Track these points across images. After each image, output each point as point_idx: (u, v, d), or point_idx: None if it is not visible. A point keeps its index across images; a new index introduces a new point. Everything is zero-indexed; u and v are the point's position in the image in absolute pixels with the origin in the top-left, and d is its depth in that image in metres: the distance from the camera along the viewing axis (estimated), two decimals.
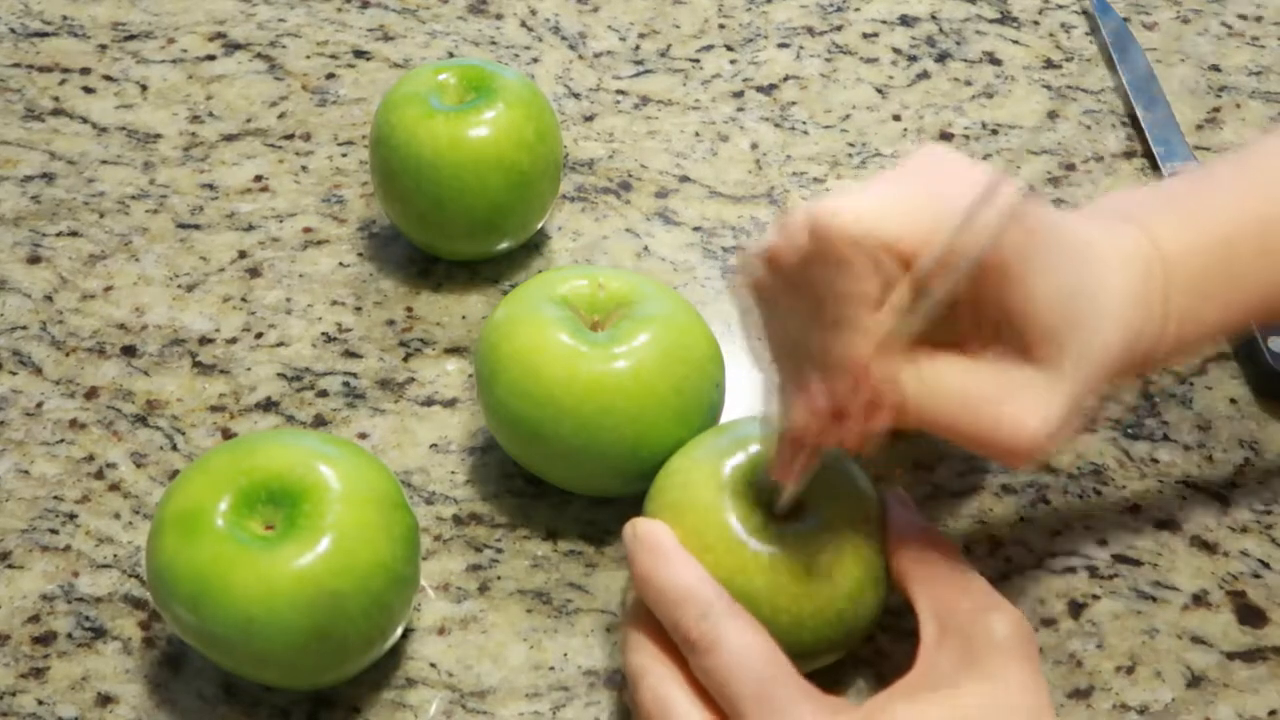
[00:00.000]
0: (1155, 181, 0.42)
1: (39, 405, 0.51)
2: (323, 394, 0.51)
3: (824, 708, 0.35)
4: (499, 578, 0.46)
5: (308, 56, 0.66)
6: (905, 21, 0.68)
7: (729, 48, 0.66)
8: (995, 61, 0.65)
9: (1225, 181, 0.41)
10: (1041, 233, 0.35)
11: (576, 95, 0.63)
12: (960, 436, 0.36)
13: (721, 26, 0.68)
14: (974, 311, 0.36)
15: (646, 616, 0.39)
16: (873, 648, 0.44)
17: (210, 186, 0.59)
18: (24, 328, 0.54)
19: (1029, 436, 0.35)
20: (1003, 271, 0.35)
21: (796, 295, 0.36)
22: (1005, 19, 0.68)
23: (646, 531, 0.39)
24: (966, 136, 0.61)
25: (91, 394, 0.51)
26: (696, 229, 0.57)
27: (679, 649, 0.38)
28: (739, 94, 0.64)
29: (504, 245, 0.54)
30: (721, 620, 0.36)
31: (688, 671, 0.37)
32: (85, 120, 0.63)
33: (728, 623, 0.36)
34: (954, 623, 0.37)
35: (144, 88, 0.64)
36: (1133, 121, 0.62)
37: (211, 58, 0.66)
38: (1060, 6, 0.69)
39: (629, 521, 0.40)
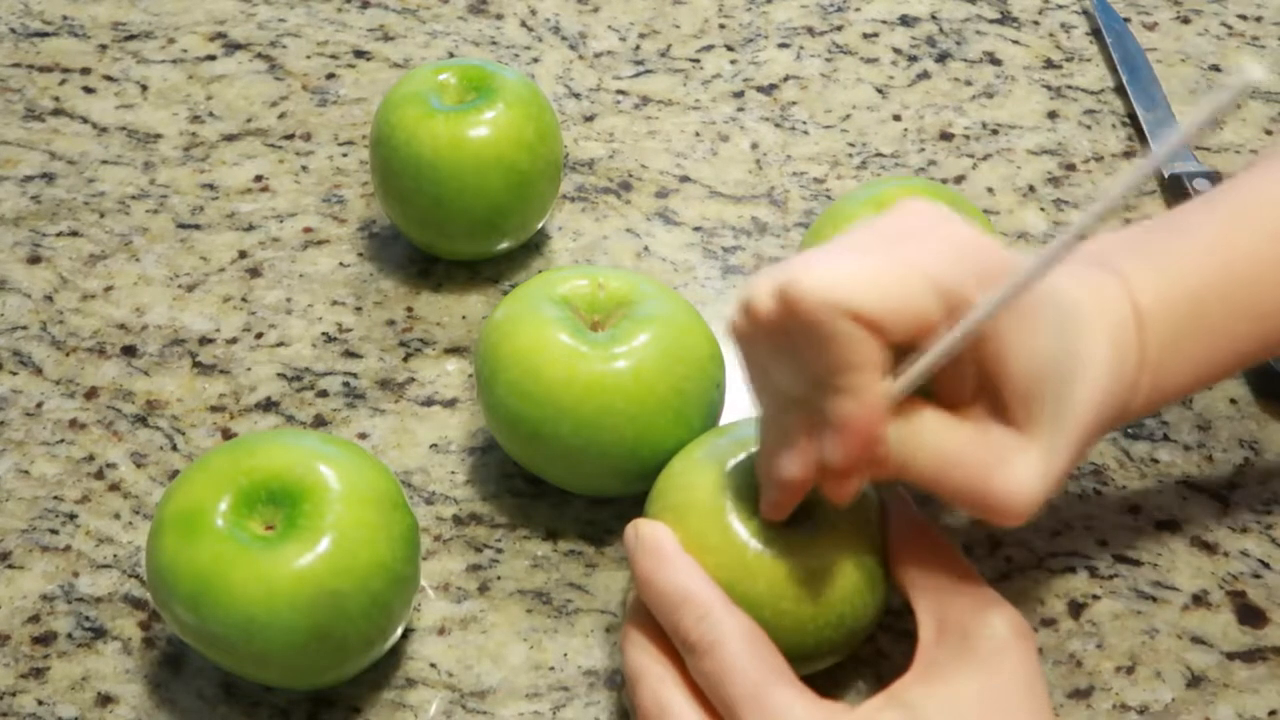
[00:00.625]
0: (1130, 226, 0.42)
1: (39, 405, 0.51)
2: (323, 394, 0.51)
3: (820, 711, 0.35)
4: (499, 578, 0.46)
5: (308, 56, 0.66)
6: (905, 21, 0.68)
7: (729, 48, 0.66)
8: (995, 61, 0.65)
9: (1196, 229, 0.40)
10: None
11: (576, 95, 0.63)
12: (947, 496, 0.36)
13: (721, 26, 0.68)
14: (956, 367, 0.36)
15: (647, 617, 0.39)
16: (873, 648, 0.44)
17: (210, 186, 0.59)
18: (24, 328, 0.54)
19: (1019, 503, 0.35)
20: (985, 333, 0.35)
21: (775, 348, 0.36)
22: (1005, 19, 0.68)
23: (648, 533, 0.39)
24: (966, 136, 0.61)
25: (91, 394, 0.51)
26: (696, 229, 0.57)
27: (678, 651, 0.38)
28: (739, 94, 0.64)
29: (504, 245, 0.54)
30: (720, 623, 0.36)
31: (687, 673, 0.37)
32: (85, 120, 0.63)
33: (726, 625, 0.36)
34: (953, 621, 0.37)
35: (144, 88, 0.64)
36: (1133, 121, 0.62)
37: (211, 58, 0.66)
38: (1060, 6, 0.69)
39: (630, 523, 0.40)
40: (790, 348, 0.35)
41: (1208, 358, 0.39)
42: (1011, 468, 0.35)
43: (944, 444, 0.35)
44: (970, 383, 0.36)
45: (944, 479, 0.36)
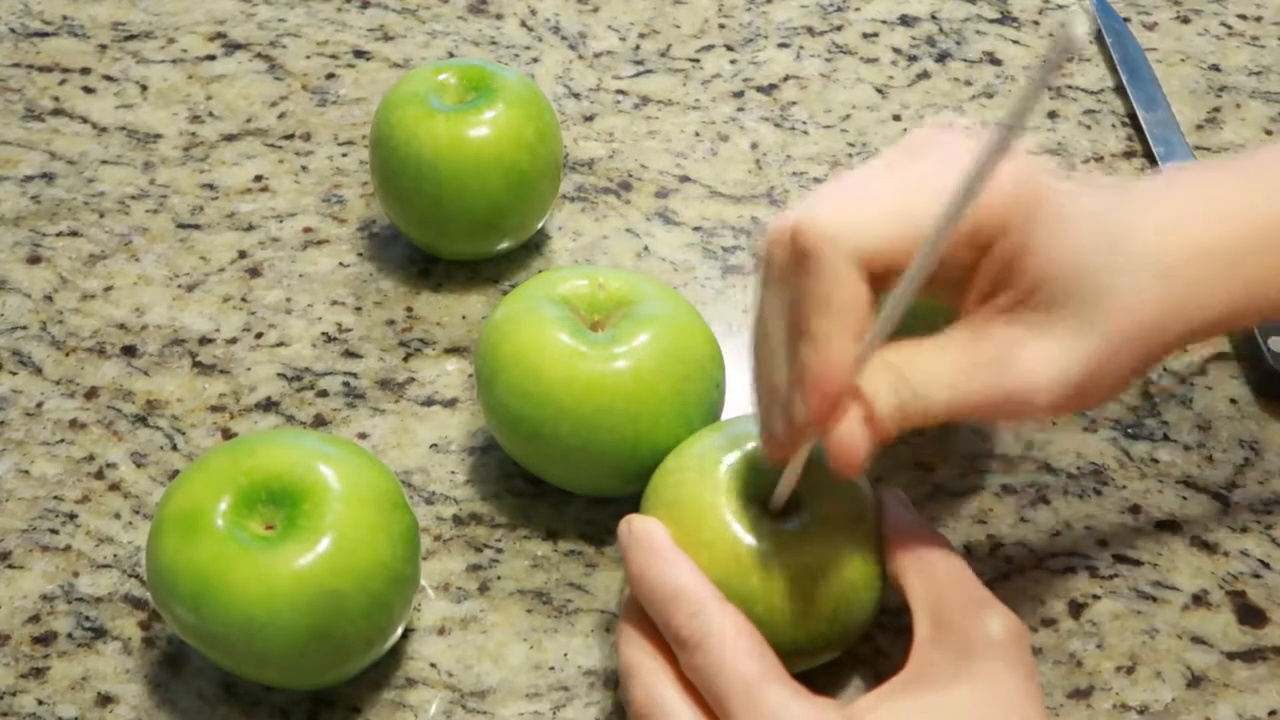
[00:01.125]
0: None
1: (39, 405, 0.51)
2: (323, 394, 0.51)
3: (812, 708, 0.35)
4: (499, 578, 0.46)
5: (308, 56, 0.66)
6: (905, 21, 0.68)
7: (729, 48, 0.66)
8: (995, 61, 0.65)
9: (1213, 186, 0.39)
10: (1058, 191, 0.34)
11: (576, 95, 0.63)
12: (978, 415, 0.35)
13: (721, 26, 0.68)
14: (965, 280, 0.35)
15: (641, 613, 0.39)
16: (871, 646, 0.44)
17: (210, 186, 0.59)
18: (24, 328, 0.54)
19: (1042, 383, 0.34)
20: (1011, 230, 0.34)
21: (778, 296, 0.35)
22: (1005, 19, 0.68)
23: (641, 529, 0.39)
24: None
25: (91, 394, 0.51)
26: (696, 229, 0.57)
27: (671, 646, 0.38)
28: (739, 94, 0.64)
29: (504, 245, 0.54)
30: (712, 618, 0.36)
31: (680, 669, 0.37)
32: (85, 120, 0.63)
33: (718, 621, 0.36)
34: (948, 620, 0.36)
35: (144, 88, 0.64)
36: (1133, 121, 0.62)
37: (211, 58, 0.66)
38: (1060, 6, 0.69)
39: (624, 519, 0.40)
40: (790, 294, 0.35)
41: (1201, 315, 0.38)
42: (1028, 353, 0.35)
43: (955, 372, 0.35)
44: (986, 288, 0.36)
45: (965, 403, 0.35)
